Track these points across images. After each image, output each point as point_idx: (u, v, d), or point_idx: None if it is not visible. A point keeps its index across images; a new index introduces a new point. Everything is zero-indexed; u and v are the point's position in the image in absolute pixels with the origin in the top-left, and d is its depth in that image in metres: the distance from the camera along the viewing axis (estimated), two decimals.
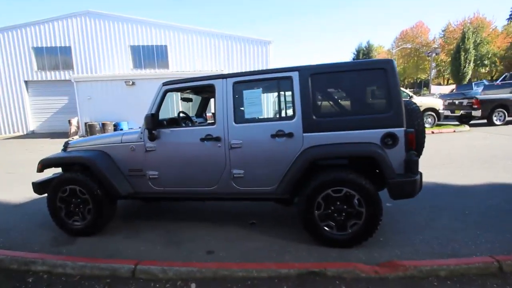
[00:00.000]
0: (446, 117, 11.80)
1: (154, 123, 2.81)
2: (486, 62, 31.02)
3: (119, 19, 17.28)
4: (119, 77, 14.83)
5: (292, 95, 2.62)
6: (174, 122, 3.41)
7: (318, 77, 2.59)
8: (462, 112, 11.33)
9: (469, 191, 3.98)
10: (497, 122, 10.66)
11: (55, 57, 17.23)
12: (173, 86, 2.93)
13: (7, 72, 16.96)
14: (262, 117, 2.80)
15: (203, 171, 2.84)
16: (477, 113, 10.74)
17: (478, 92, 12.68)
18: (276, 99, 2.93)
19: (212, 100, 4.44)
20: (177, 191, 2.97)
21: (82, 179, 2.98)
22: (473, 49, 22.68)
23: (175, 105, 12.71)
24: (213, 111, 3.17)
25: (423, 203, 3.54)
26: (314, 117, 2.57)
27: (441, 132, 10.16)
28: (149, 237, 3.02)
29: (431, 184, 4.26)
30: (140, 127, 3.16)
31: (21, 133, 17.36)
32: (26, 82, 17.21)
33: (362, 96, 2.61)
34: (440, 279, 2.02)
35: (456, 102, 11.79)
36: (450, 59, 29.57)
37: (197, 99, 4.40)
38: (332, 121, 2.57)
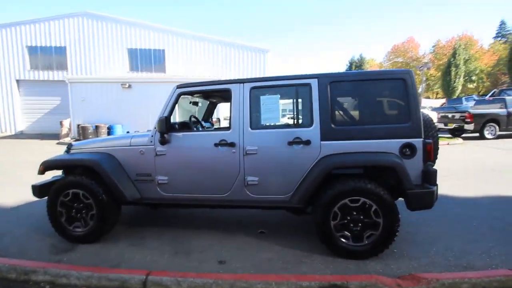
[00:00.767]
0: (439, 130, 12.07)
1: (167, 126, 2.72)
2: (473, 78, 32.19)
3: (117, 22, 17.17)
4: (115, 79, 14.62)
5: (311, 103, 2.60)
6: (186, 126, 3.33)
7: (337, 85, 2.58)
8: (455, 125, 11.62)
9: (473, 203, 4.02)
10: (488, 136, 10.96)
11: (49, 56, 16.91)
12: (187, 89, 2.87)
13: None
14: (279, 123, 2.76)
15: (215, 177, 2.76)
16: (469, 126, 11.03)
17: (468, 106, 13.08)
18: (291, 106, 2.91)
19: (218, 105, 4.39)
20: (187, 198, 2.87)
21: (86, 183, 2.84)
22: (463, 65, 23.53)
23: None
24: (217, 116, 3.11)
25: (431, 214, 3.53)
26: (332, 125, 2.55)
27: None
28: (156, 245, 2.89)
29: None
30: (149, 130, 3.07)
31: (9, 133, 16.79)
32: (17, 81, 16.76)
33: (380, 105, 2.61)
34: None
35: (449, 115, 12.10)
36: (440, 74, 30.56)
37: (203, 103, 4.33)
38: (350, 129, 2.55)
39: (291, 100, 2.87)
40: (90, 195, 2.86)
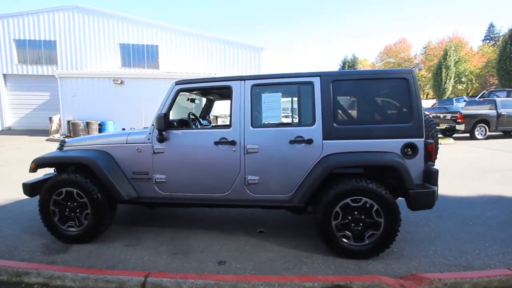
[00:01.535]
0: None
1: (165, 123, 2.65)
2: (463, 79, 32.87)
3: (109, 16, 16.79)
4: (107, 75, 14.31)
5: (313, 101, 2.57)
6: (184, 123, 3.25)
7: (339, 84, 2.55)
8: (446, 125, 11.82)
9: (467, 203, 4.07)
10: (479, 136, 11.19)
11: (39, 51, 16.43)
12: (186, 85, 2.80)
13: None
14: (280, 122, 2.72)
15: (215, 176, 2.71)
16: (460, 127, 11.24)
17: (459, 107, 13.33)
18: (293, 104, 2.87)
19: (216, 103, 4.33)
20: (186, 197, 2.81)
21: (81, 181, 2.75)
22: (454, 66, 23.97)
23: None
24: (214, 114, 3.05)
25: (427, 213, 3.56)
26: (334, 124, 2.53)
27: None
28: (153, 246, 2.82)
29: None
30: (145, 128, 2.98)
31: None
32: (4, 75, 16.23)
33: (382, 105, 2.60)
34: None
35: (441, 116, 12.31)
36: (430, 75, 31.10)
37: (200, 100, 4.26)
38: (352, 129, 2.53)
39: (293, 98, 2.83)
40: (85, 194, 2.77)
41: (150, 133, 2.81)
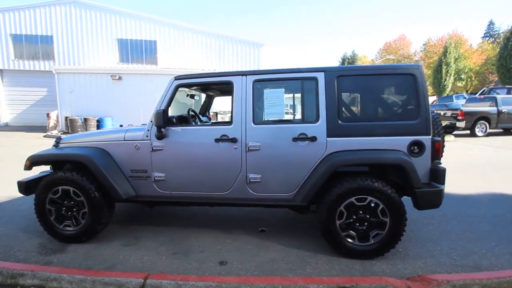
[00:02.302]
0: None
1: (165, 120, 2.57)
2: (463, 76, 32.78)
3: (106, 11, 16.55)
4: (104, 70, 14.14)
5: (317, 97, 2.49)
6: (184, 120, 3.17)
7: (344, 80, 2.47)
8: (447, 122, 11.76)
9: (471, 201, 4.02)
10: (479, 134, 11.15)
11: (35, 46, 16.21)
12: (186, 81, 2.71)
13: None
14: (283, 118, 2.64)
15: (216, 174, 2.63)
16: (461, 124, 11.19)
17: (459, 104, 13.26)
18: (295, 100, 2.79)
19: (215, 99, 4.24)
20: (185, 196, 2.74)
21: (77, 179, 2.67)
22: (454, 63, 23.93)
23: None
24: (214, 110, 2.96)
25: (431, 212, 3.50)
26: (339, 121, 2.45)
27: None
28: (152, 246, 2.75)
29: None
30: (144, 124, 2.89)
31: None
32: (1, 70, 16.01)
33: (389, 101, 2.53)
34: None
35: (441, 113, 12.24)
36: (430, 72, 31.03)
37: (200, 96, 4.17)
38: (357, 126, 2.46)
39: (296, 94, 2.75)
40: (82, 192, 2.69)
41: (148, 130, 2.72)
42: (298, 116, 2.71)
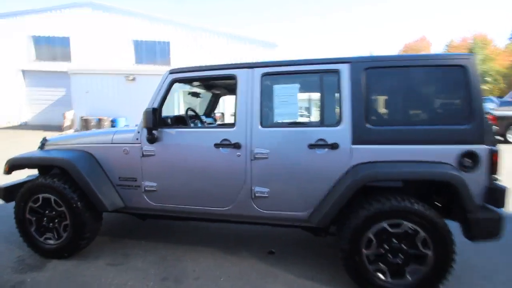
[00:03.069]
0: None
1: (155, 120, 2.17)
2: (488, 79, 30.78)
3: (122, 12, 16.69)
4: (118, 71, 14.16)
5: (339, 94, 2.01)
6: (181, 121, 2.77)
7: (375, 73, 1.97)
8: None
9: None
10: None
11: (53, 47, 16.57)
12: (182, 75, 2.31)
13: (3, 60, 16.20)
14: (297, 120, 2.18)
15: (215, 186, 2.20)
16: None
17: (488, 108, 12.19)
18: (313, 98, 2.31)
19: (222, 98, 3.83)
20: (180, 210, 2.33)
21: (58, 186, 2.33)
22: (480, 65, 22.53)
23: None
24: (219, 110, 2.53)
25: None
26: (367, 124, 1.96)
27: None
28: (140, 266, 2.36)
29: None
30: (136, 125, 2.51)
31: (13, 124, 16.55)
32: (23, 71, 16.47)
33: (432, 100, 2.01)
34: None
35: None
36: None
37: (205, 95, 3.77)
38: (391, 131, 1.95)
39: (313, 91, 2.27)
40: (63, 202, 2.35)
41: (139, 132, 2.34)
42: (316, 117, 2.22)
